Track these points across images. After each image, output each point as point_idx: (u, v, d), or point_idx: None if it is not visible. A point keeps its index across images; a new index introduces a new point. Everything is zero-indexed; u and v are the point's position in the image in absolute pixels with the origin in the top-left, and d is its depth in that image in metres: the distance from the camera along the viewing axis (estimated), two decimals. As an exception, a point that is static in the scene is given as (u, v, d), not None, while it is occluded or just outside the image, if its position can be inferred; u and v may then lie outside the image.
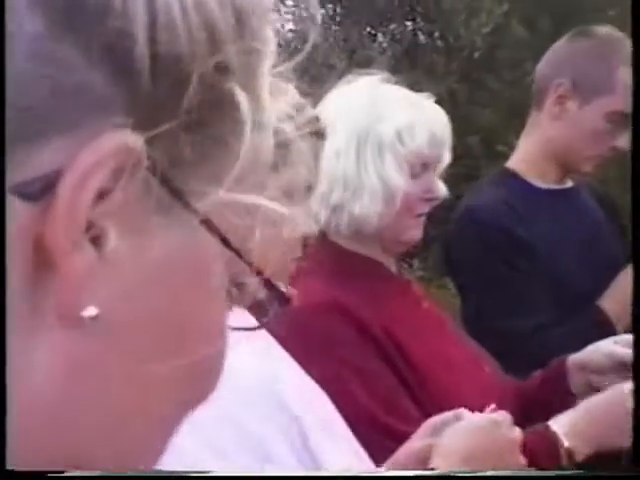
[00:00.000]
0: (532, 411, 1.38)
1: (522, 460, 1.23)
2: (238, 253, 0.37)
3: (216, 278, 0.37)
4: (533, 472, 1.81)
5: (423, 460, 1.15)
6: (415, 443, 1.19)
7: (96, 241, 0.32)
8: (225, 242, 0.36)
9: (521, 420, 1.35)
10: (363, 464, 1.09)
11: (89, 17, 0.31)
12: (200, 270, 0.37)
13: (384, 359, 1.37)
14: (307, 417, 0.98)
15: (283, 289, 0.43)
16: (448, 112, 1.52)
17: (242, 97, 0.35)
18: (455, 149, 1.57)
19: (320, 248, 1.49)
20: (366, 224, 1.44)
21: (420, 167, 1.46)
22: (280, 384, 0.98)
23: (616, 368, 1.43)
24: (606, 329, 1.74)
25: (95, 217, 0.32)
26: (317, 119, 1.08)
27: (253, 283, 0.41)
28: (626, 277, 1.75)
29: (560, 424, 1.30)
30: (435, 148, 1.47)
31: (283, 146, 0.96)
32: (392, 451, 1.19)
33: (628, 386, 1.33)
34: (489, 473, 0.57)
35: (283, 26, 4.82)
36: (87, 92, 0.32)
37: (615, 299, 1.77)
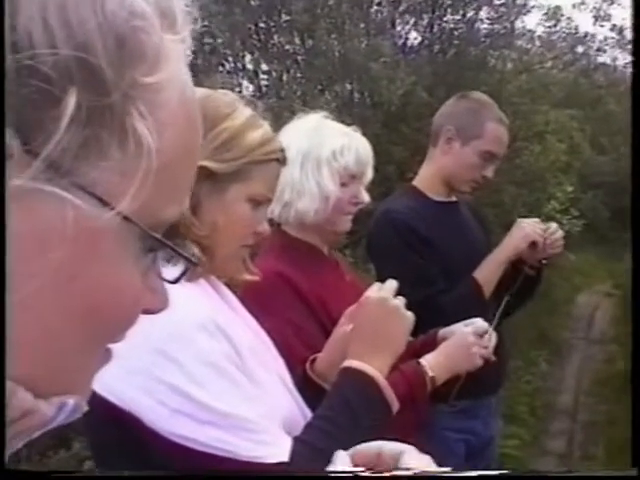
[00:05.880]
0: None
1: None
2: (127, 218, 0.32)
3: (116, 235, 0.32)
4: (532, 472, 1.74)
5: None
6: None
7: None
8: (107, 205, 0.31)
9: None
10: (286, 385, 1.02)
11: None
12: (96, 229, 0.31)
13: (316, 319, 1.30)
14: (243, 348, 0.90)
15: (186, 254, 0.37)
16: (373, 149, 1.46)
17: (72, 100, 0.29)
18: (377, 174, 1.52)
19: (274, 234, 1.42)
20: (306, 217, 1.38)
21: (348, 178, 1.40)
22: (222, 320, 0.88)
23: None
24: (477, 290, 1.76)
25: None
26: (282, 150, 0.98)
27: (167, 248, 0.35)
28: (490, 258, 1.80)
29: (426, 360, 1.27)
30: (360, 165, 1.41)
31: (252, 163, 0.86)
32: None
33: (468, 329, 1.33)
34: (488, 473, 0.49)
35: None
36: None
37: (483, 273, 1.78)
